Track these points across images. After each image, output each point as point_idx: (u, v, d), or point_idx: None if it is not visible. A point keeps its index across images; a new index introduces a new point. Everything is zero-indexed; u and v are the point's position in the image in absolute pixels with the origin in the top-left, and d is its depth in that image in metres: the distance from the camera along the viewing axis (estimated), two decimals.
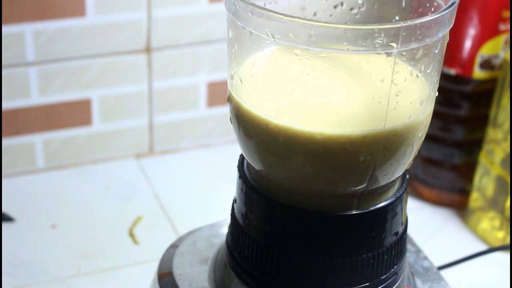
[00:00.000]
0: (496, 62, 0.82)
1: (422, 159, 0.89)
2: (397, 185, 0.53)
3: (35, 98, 0.89)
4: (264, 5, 0.53)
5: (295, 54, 0.46)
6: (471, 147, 0.87)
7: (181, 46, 0.93)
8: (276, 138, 0.49)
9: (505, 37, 0.81)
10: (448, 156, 0.87)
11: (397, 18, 0.54)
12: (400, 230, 0.54)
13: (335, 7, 0.56)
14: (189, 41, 0.93)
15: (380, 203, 0.52)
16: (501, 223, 0.83)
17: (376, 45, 0.44)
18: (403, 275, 0.56)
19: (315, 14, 0.56)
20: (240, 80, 0.50)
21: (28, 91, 0.88)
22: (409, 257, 0.62)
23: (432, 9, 0.52)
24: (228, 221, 0.56)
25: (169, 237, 0.82)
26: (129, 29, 0.89)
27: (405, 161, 0.51)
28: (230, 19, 0.49)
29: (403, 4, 0.54)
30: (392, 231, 0.53)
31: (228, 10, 0.49)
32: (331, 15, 0.56)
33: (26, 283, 0.77)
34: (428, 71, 0.49)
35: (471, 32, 0.81)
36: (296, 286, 0.52)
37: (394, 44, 0.45)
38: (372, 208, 0.51)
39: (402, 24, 0.44)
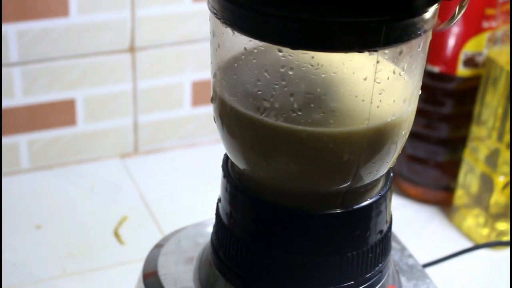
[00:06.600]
0: (480, 59, 0.83)
1: (406, 156, 0.89)
2: (381, 183, 0.53)
3: (19, 98, 0.88)
4: None
5: (278, 52, 0.46)
6: (456, 145, 0.87)
7: (165, 45, 0.92)
8: (260, 136, 0.49)
9: (488, 34, 0.81)
10: (433, 154, 0.88)
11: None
12: (385, 228, 0.54)
13: None
14: (173, 40, 0.92)
15: (364, 201, 0.52)
16: (485, 220, 0.84)
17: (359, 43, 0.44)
18: (388, 273, 0.56)
19: None
20: (223, 79, 0.50)
21: (11, 92, 0.88)
22: (394, 255, 0.62)
23: None
24: (213, 220, 0.56)
25: (154, 237, 0.81)
26: (113, 29, 0.89)
27: (389, 159, 0.51)
28: (213, 19, 0.49)
29: None
30: (377, 230, 0.53)
31: (210, 10, 0.48)
32: None
33: (11, 284, 0.76)
34: (411, 69, 0.49)
35: (455, 29, 0.81)
36: (281, 285, 0.52)
37: (376, 42, 0.45)
38: (356, 207, 0.51)
39: (384, 22, 0.44)
